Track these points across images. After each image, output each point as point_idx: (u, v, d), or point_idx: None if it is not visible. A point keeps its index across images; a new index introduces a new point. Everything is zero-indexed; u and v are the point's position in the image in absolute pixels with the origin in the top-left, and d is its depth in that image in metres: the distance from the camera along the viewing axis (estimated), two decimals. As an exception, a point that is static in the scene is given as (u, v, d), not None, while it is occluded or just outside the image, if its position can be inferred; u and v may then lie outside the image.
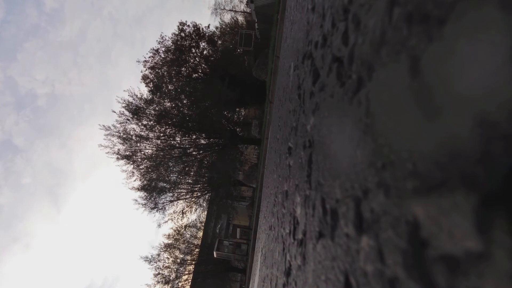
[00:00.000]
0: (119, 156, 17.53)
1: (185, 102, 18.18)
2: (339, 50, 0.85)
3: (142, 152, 17.99)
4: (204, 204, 22.61)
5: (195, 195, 20.94)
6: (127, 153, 17.71)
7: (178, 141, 18.42)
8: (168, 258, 21.87)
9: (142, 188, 18.66)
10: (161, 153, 18.07)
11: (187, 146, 18.57)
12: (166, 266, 21.42)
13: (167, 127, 17.82)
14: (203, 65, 21.34)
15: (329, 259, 0.73)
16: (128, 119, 17.17)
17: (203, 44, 21.51)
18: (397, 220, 0.42)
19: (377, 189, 0.49)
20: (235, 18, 27.60)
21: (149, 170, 18.34)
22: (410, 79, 0.42)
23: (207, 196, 21.63)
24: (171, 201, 20.02)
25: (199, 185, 20.71)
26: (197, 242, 24.78)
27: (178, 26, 20.03)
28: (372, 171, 0.52)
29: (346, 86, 0.74)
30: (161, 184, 18.97)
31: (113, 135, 17.19)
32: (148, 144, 17.87)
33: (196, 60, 21.17)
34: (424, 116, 0.38)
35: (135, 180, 18.51)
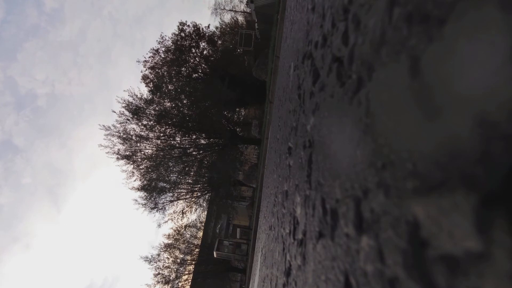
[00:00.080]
0: (119, 156, 17.54)
1: (185, 102, 18.18)
2: (339, 50, 0.85)
3: (142, 152, 18.00)
4: (204, 204, 22.62)
5: (195, 195, 20.94)
6: (127, 153, 17.72)
7: (178, 141, 18.42)
8: (168, 258, 21.88)
9: (142, 188, 18.66)
10: (161, 153, 18.07)
11: (187, 146, 18.57)
12: (166, 266, 21.43)
13: (167, 127, 17.82)
14: (203, 65, 21.34)
15: (329, 259, 0.73)
16: (128, 119, 17.18)
17: (203, 44, 21.52)
18: (397, 220, 0.42)
19: (377, 189, 0.49)
20: (235, 18, 27.61)
21: (149, 170, 18.35)
22: (410, 79, 0.42)
23: (207, 196, 21.63)
24: (171, 201, 20.03)
25: (199, 185, 20.71)
26: (197, 242, 24.78)
27: (178, 26, 20.05)
28: (372, 171, 0.52)
29: (346, 86, 0.74)
30: (161, 184, 18.97)
31: (113, 135, 17.20)
32: (148, 144, 17.88)
33: (196, 60, 21.17)
34: (424, 116, 0.38)
35: (135, 180, 18.54)
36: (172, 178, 19.07)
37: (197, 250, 23.62)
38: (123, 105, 17.04)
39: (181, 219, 21.25)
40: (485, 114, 0.28)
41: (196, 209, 22.11)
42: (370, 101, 0.57)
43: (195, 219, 24.42)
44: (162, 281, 20.83)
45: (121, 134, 17.30)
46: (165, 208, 19.76)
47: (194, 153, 18.88)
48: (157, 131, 17.76)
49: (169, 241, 22.76)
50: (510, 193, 0.25)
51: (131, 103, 17.21)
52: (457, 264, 0.30)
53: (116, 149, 17.39)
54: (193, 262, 22.68)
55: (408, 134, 0.42)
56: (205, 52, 21.69)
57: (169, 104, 17.95)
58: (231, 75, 20.26)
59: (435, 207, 0.34)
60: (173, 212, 20.52)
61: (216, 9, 27.89)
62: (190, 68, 20.82)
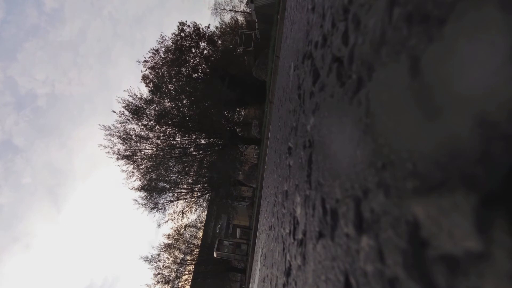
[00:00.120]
0: (119, 156, 17.54)
1: (185, 102, 18.18)
2: (339, 50, 0.85)
3: (142, 152, 18.00)
4: (204, 204, 22.62)
5: (195, 195, 20.94)
6: (127, 153, 17.72)
7: (178, 141, 18.42)
8: (168, 258, 21.88)
9: (142, 188, 18.66)
10: (161, 153, 18.07)
11: (187, 146, 18.57)
12: (166, 266, 21.43)
13: (167, 127, 17.82)
14: (203, 65, 21.34)
15: (329, 259, 0.73)
16: (128, 119, 17.18)
17: (203, 44, 21.52)
18: (397, 220, 0.42)
19: (377, 189, 0.49)
20: (235, 18, 27.61)
21: (149, 170, 18.35)
22: (410, 79, 0.42)
23: (207, 196, 21.63)
24: (171, 201, 20.03)
25: (199, 185, 20.71)
26: (197, 242, 24.78)
27: (178, 26, 20.05)
28: (372, 171, 0.52)
29: (346, 86, 0.74)
30: (161, 184, 18.98)
31: (113, 135, 17.20)
32: (148, 144, 17.88)
33: (196, 60, 21.17)
34: (424, 116, 0.38)
35: (135, 180, 18.54)
36: (172, 178, 19.07)
37: (197, 250, 23.62)
38: (123, 105, 17.05)
39: (181, 219, 21.27)
40: (485, 114, 0.28)
41: (196, 209, 22.13)
42: (370, 101, 0.57)
43: (195, 219, 24.44)
44: (162, 281, 20.84)
45: (121, 134, 17.31)
46: (165, 208, 19.77)
47: (194, 153, 18.88)
48: (157, 131, 17.76)
49: (169, 241, 22.77)
50: (510, 193, 0.25)
51: (131, 103, 17.22)
52: (457, 264, 0.30)
53: (116, 149, 17.41)
54: (193, 262, 22.68)
55: (408, 134, 0.42)
56: (205, 52, 21.69)
57: (169, 104, 17.95)
58: (231, 75, 20.26)
59: (435, 207, 0.34)
60: (173, 212, 20.54)
61: (216, 9, 27.91)
62: (190, 68, 20.82)
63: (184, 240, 23.57)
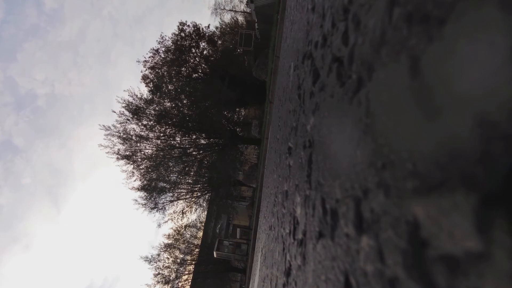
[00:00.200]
0: (119, 156, 17.54)
1: (185, 102, 18.18)
2: (339, 50, 0.85)
3: (142, 152, 18.00)
4: (204, 204, 22.61)
5: (195, 195, 20.94)
6: (127, 153, 17.72)
7: (178, 141, 18.42)
8: (168, 258, 21.88)
9: (142, 188, 18.66)
10: (161, 153, 18.07)
11: (187, 146, 18.57)
12: (166, 266, 21.43)
13: (167, 127, 17.82)
14: (203, 65, 21.34)
15: (329, 259, 0.73)
16: (128, 119, 17.18)
17: (203, 44, 21.51)
18: (397, 220, 0.42)
19: (377, 189, 0.49)
20: (235, 18, 27.61)
21: (149, 170, 18.35)
22: (410, 79, 0.42)
23: (207, 196, 21.63)
24: (171, 201, 20.02)
25: (199, 185, 20.71)
26: (197, 242, 24.78)
27: (178, 26, 20.04)
28: (372, 171, 0.52)
29: (346, 86, 0.74)
30: (161, 184, 18.98)
31: (113, 135, 17.20)
32: (148, 144, 17.88)
33: (196, 60, 21.16)
34: (424, 116, 0.38)
35: (135, 180, 18.53)
36: (172, 178, 19.07)
37: (197, 250, 23.62)
38: (123, 105, 17.05)
39: (181, 219, 21.27)
40: (485, 114, 0.28)
41: (196, 209, 22.13)
42: (370, 101, 0.57)
43: (195, 219, 24.43)
44: (162, 281, 20.84)
45: (121, 134, 17.31)
46: (165, 208, 19.77)
47: (194, 153, 18.88)
48: (157, 131, 17.76)
49: (169, 241, 22.77)
50: (510, 193, 0.25)
51: (131, 103, 17.22)
52: (457, 264, 0.30)
53: (116, 149, 17.41)
54: (193, 262, 22.68)
55: (408, 134, 0.42)
56: (205, 52, 21.69)
57: (169, 104, 17.95)
58: (231, 75, 20.26)
59: (435, 207, 0.34)
60: (173, 212, 20.54)
61: (216, 9, 27.90)
62: (190, 68, 20.82)
63: (184, 240, 23.57)
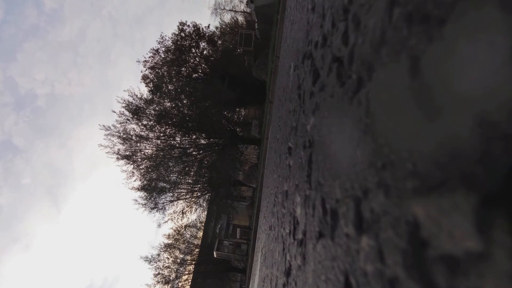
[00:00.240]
0: (119, 156, 17.54)
1: (185, 102, 18.18)
2: (339, 50, 0.85)
3: (142, 152, 18.00)
4: (204, 204, 22.61)
5: (195, 195, 20.94)
6: (127, 153, 17.72)
7: (178, 141, 18.42)
8: (168, 258, 21.88)
9: (142, 188, 18.66)
10: (161, 153, 18.07)
11: (187, 146, 18.57)
12: (166, 266, 21.43)
13: (167, 127, 17.82)
14: (203, 65, 21.34)
15: (329, 259, 0.73)
16: (128, 119, 17.18)
17: (203, 44, 21.51)
18: (397, 220, 0.42)
19: (377, 189, 0.49)
20: (235, 18, 27.61)
21: (149, 170, 18.35)
22: (410, 79, 0.42)
23: (207, 196, 21.63)
24: (171, 201, 20.02)
25: (199, 185, 20.71)
26: (197, 242, 24.78)
27: (178, 26, 20.04)
28: (372, 171, 0.52)
29: (346, 86, 0.74)
30: (161, 184, 18.97)
31: (113, 135, 17.20)
32: (148, 144, 17.88)
33: (196, 60, 21.16)
34: (424, 116, 0.38)
35: (135, 180, 18.53)
36: (172, 178, 19.07)
37: (197, 250, 23.62)
38: (123, 105, 17.05)
39: (181, 219, 21.27)
40: (485, 114, 0.28)
41: (196, 209, 22.12)
42: (370, 101, 0.57)
43: (195, 219, 24.43)
44: (162, 281, 20.84)
45: (121, 134, 17.31)
46: (165, 208, 19.77)
47: (194, 153, 18.88)
48: (157, 131, 17.76)
49: (169, 241, 22.77)
50: (510, 193, 0.25)
51: (131, 103, 17.22)
52: (457, 264, 0.30)
53: (116, 149, 17.41)
54: (193, 262, 22.68)
55: (408, 134, 0.42)
56: (205, 52, 21.69)
57: (169, 104, 17.95)
58: (231, 75, 20.26)
59: (435, 207, 0.34)
60: (173, 212, 20.54)
61: (216, 9, 27.90)
62: (190, 68, 20.82)
63: (184, 240, 23.56)
